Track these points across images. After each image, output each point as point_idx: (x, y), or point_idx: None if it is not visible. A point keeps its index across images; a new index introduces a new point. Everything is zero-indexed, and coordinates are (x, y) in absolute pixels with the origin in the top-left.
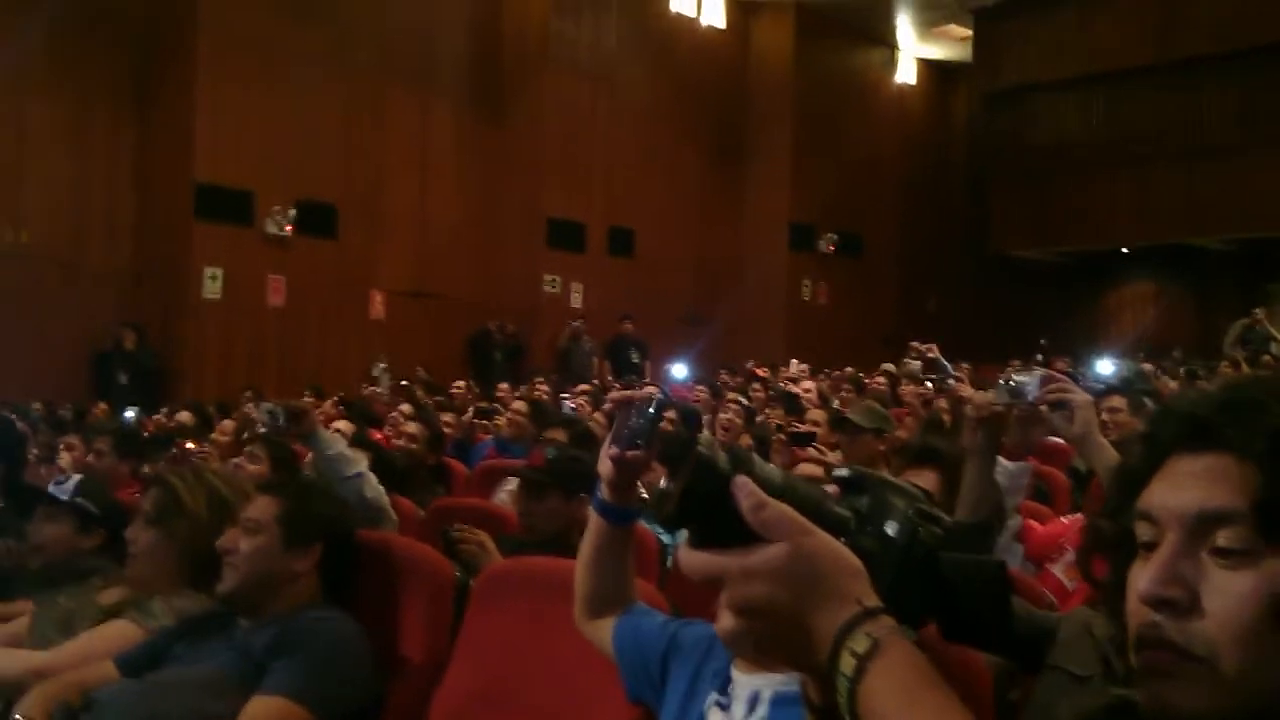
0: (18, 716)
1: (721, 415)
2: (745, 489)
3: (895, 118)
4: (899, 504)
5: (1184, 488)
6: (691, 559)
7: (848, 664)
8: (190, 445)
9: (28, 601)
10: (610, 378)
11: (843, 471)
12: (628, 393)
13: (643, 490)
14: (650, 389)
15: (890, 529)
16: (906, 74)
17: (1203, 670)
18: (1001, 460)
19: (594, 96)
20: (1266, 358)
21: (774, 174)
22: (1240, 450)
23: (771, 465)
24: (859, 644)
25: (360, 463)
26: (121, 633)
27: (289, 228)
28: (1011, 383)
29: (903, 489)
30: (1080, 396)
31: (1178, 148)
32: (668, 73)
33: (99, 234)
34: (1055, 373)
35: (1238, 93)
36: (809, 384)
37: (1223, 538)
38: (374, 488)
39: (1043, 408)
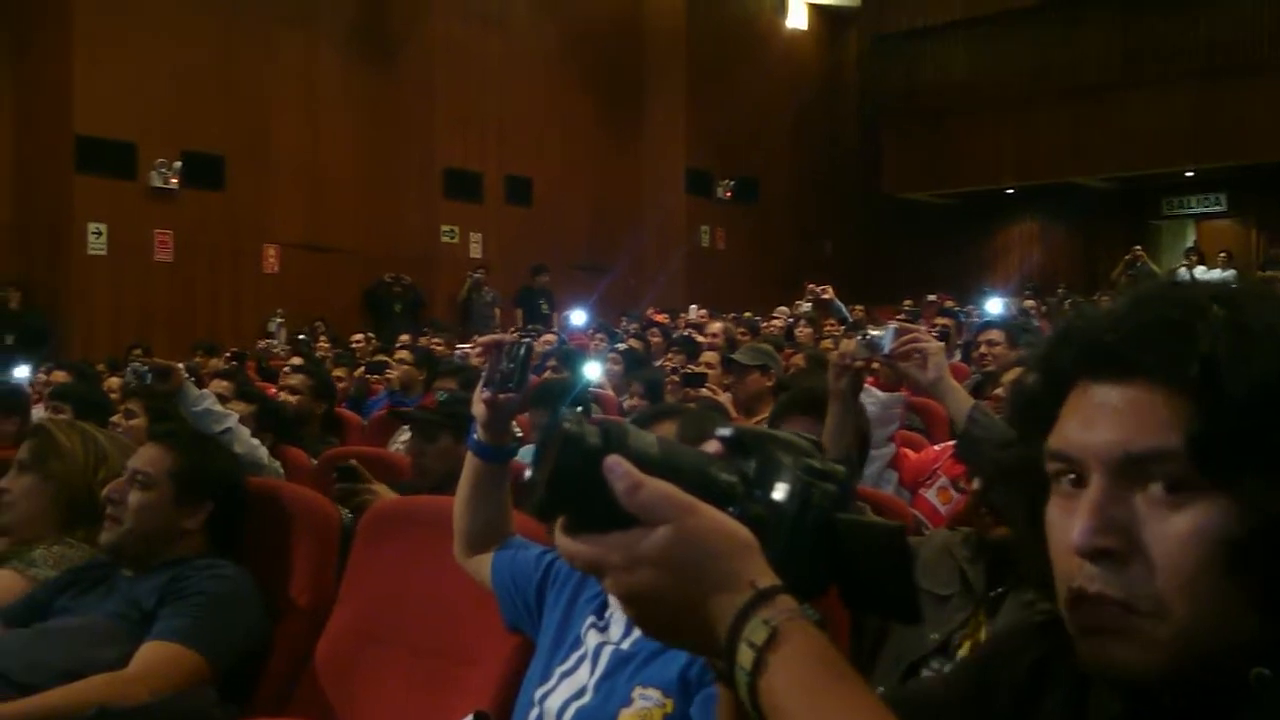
0: None
1: (606, 365)
2: (618, 469)
3: (787, 63)
4: (787, 462)
5: (1104, 425)
6: (567, 547)
7: (745, 657)
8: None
9: None
10: (514, 329)
11: (725, 431)
12: (496, 336)
13: (517, 429)
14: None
15: (779, 493)
16: (798, 19)
17: (1149, 624)
18: (874, 390)
19: (485, 41)
20: None
21: (669, 120)
22: (1166, 380)
23: (650, 435)
24: (756, 634)
25: (230, 418)
26: (4, 583)
27: (175, 180)
28: (867, 336)
29: (790, 444)
30: (932, 345)
31: (1060, 88)
32: (560, 17)
33: None
34: (907, 324)
35: (1119, 32)
36: (716, 326)
37: (1157, 478)
38: (245, 442)
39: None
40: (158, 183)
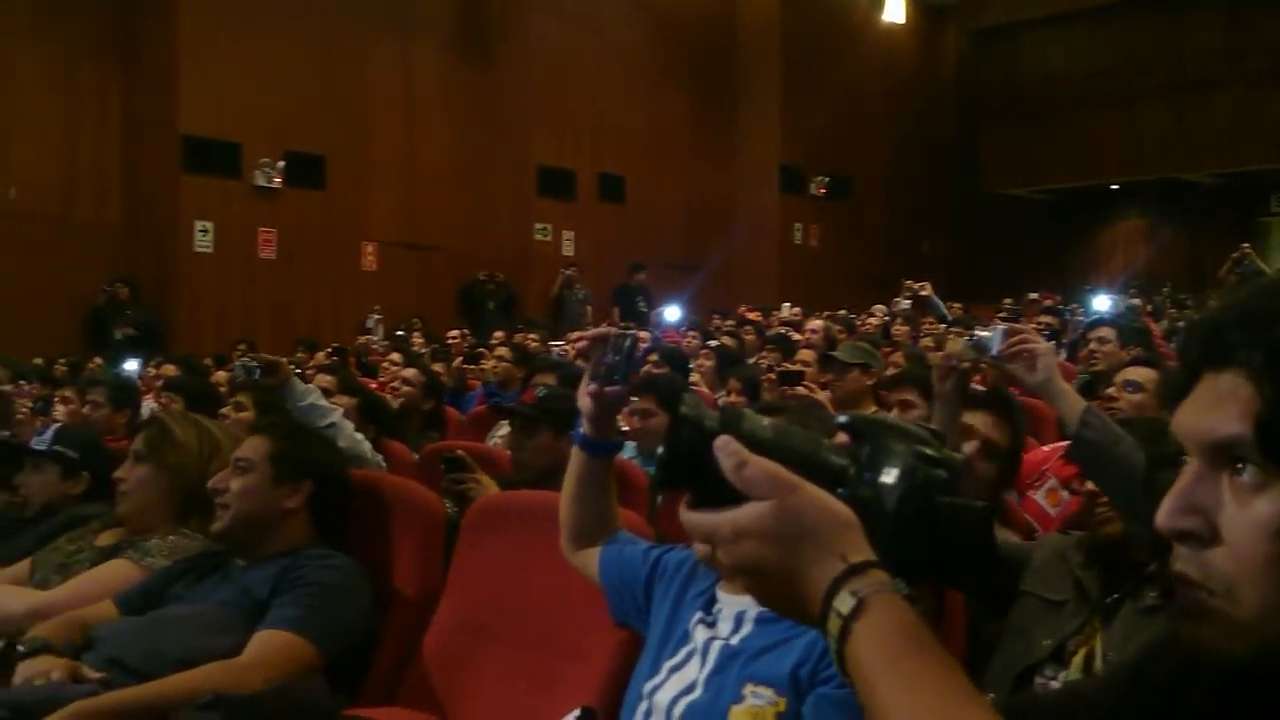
0: (21, 648)
1: (698, 361)
2: (726, 448)
3: (884, 57)
4: (899, 449)
5: (1198, 411)
6: (688, 519)
7: (834, 625)
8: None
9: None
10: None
11: (842, 419)
12: (602, 330)
13: (622, 424)
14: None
15: (888, 476)
16: (894, 12)
17: (1225, 606)
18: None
19: (579, 39)
20: None
21: (763, 117)
22: (1248, 368)
23: (766, 420)
24: (843, 604)
25: (334, 412)
26: (120, 572)
27: (277, 179)
28: (975, 337)
29: (906, 431)
30: (1041, 345)
31: (1163, 82)
32: (653, 13)
33: (88, 189)
34: (1016, 325)
35: (1222, 25)
36: (816, 323)
37: (1242, 464)
38: (349, 436)
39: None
40: (261, 182)
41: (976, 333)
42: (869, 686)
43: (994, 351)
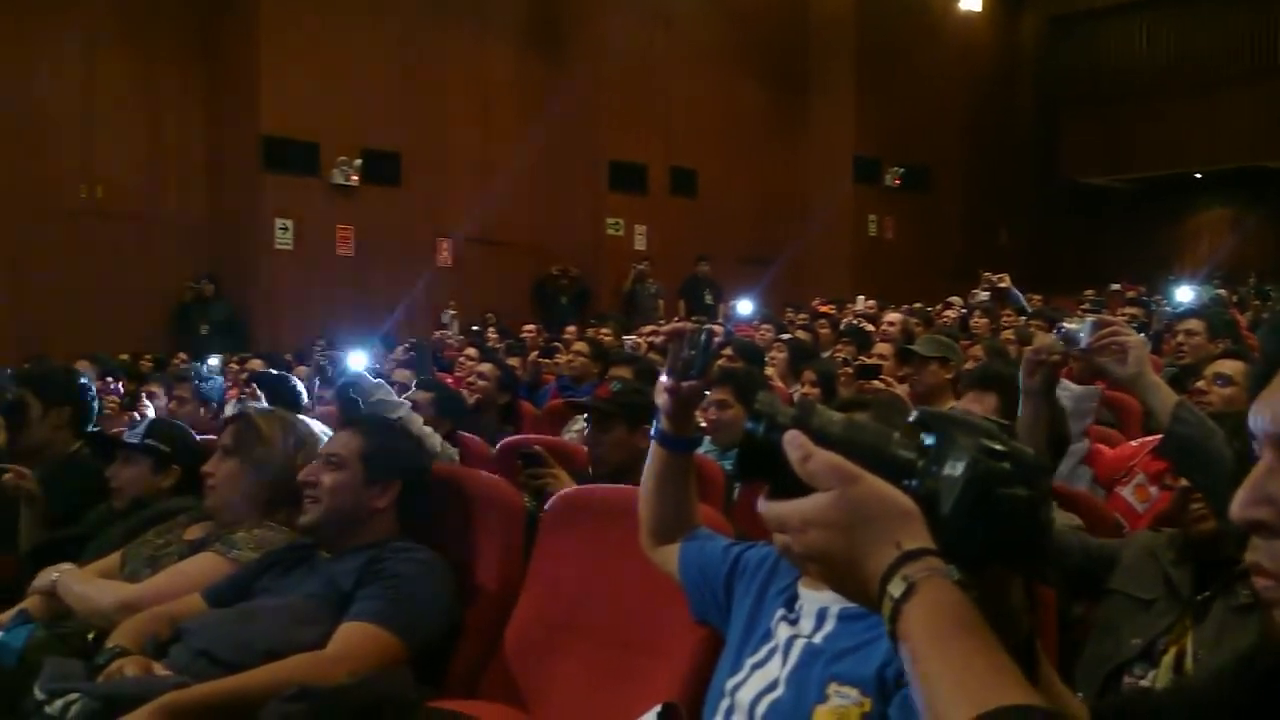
0: (98, 660)
1: (772, 355)
2: (794, 442)
3: (960, 46)
4: (965, 442)
5: (1271, 403)
6: (763, 509)
7: (887, 608)
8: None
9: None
10: (677, 318)
11: (913, 414)
12: (679, 325)
13: (700, 419)
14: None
15: (953, 469)
16: (972, 0)
17: None
18: (1069, 384)
19: (652, 33)
20: None
21: (837, 107)
22: None
23: (838, 415)
24: (896, 588)
25: (402, 406)
26: (207, 565)
27: (355, 177)
28: (1063, 330)
29: (974, 426)
30: (1132, 338)
31: (1247, 69)
32: (726, 6)
33: (173, 188)
34: (1106, 317)
35: None
36: (894, 316)
37: None
38: (418, 430)
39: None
40: (339, 180)
41: (1065, 325)
42: (914, 663)
43: (1083, 344)
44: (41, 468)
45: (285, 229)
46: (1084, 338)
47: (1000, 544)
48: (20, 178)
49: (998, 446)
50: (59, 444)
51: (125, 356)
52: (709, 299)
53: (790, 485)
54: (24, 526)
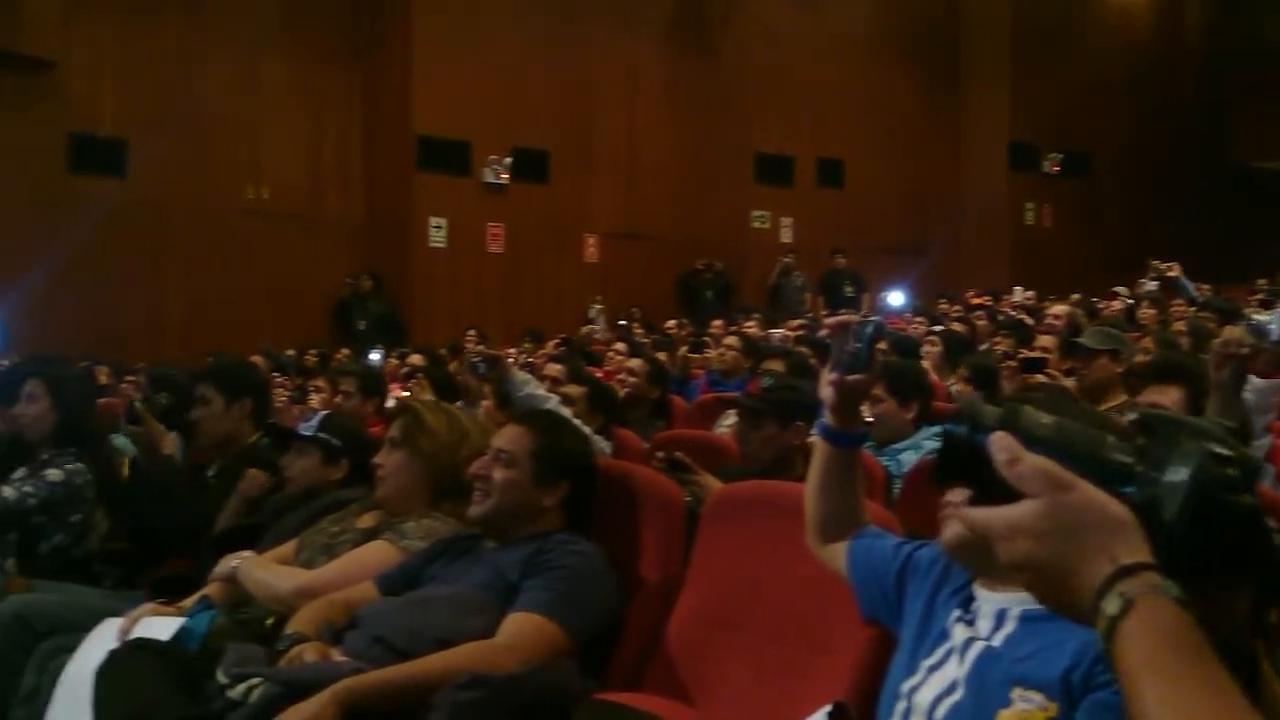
0: (278, 647)
1: (926, 348)
2: (1000, 444)
3: (1122, 25)
4: (1189, 447)
5: None
6: (965, 515)
7: (1102, 625)
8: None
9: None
10: (824, 312)
11: (1132, 415)
12: (844, 317)
13: (866, 414)
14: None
15: (1176, 475)
16: None
17: None
18: (1251, 378)
19: (799, 22)
20: None
21: (992, 91)
22: None
23: (1046, 416)
24: (1111, 605)
25: (550, 400)
26: (380, 552)
27: (504, 175)
28: (1253, 322)
29: (1200, 429)
30: None
31: None
32: None
33: (333, 187)
34: None
35: None
36: (1060, 309)
37: None
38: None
39: None
40: (490, 178)
41: (1254, 317)
42: (1130, 689)
43: (1275, 337)
44: (225, 459)
45: (439, 228)
46: (1276, 329)
47: (1226, 555)
48: (193, 180)
49: (1224, 451)
50: (241, 436)
51: (291, 352)
52: (849, 291)
53: (995, 491)
54: (223, 518)
